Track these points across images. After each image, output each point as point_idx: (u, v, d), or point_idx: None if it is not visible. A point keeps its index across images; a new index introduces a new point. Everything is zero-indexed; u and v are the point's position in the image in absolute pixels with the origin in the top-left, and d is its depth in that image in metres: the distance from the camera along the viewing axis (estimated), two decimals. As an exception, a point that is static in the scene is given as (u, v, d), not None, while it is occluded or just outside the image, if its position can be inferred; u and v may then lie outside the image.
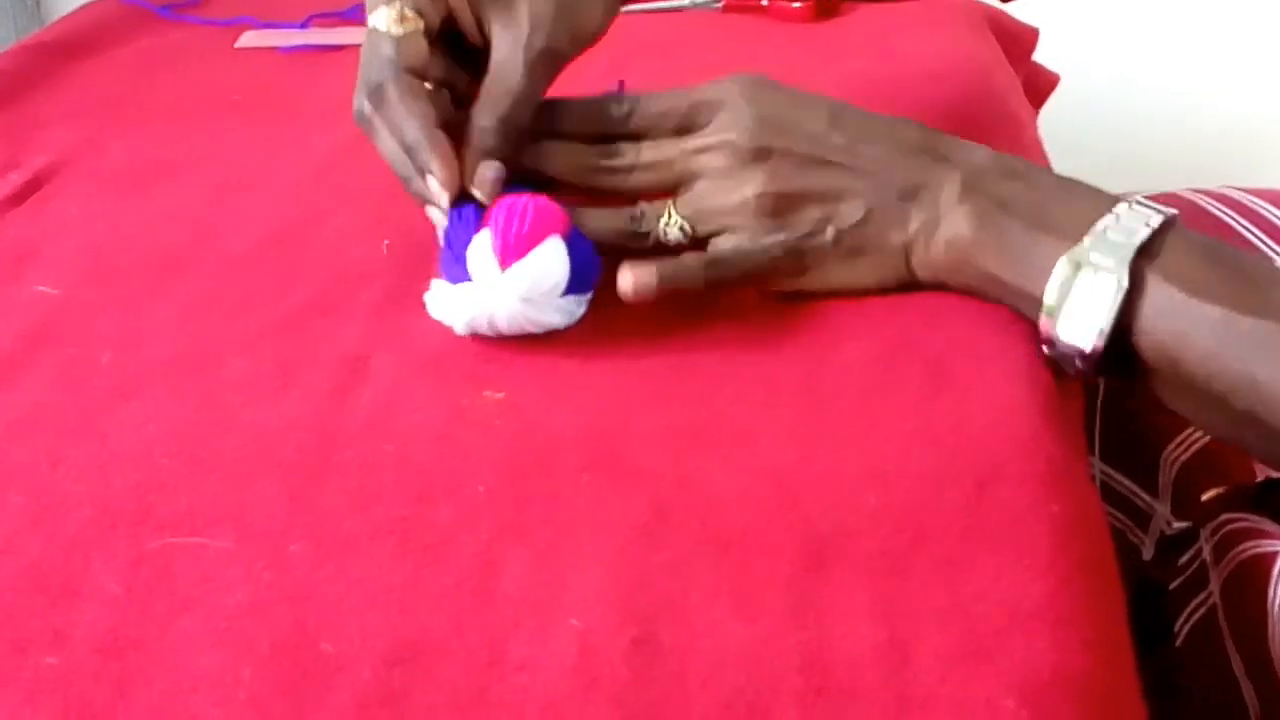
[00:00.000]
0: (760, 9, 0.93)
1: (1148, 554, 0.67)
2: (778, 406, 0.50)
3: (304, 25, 0.94)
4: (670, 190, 0.57)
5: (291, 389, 0.52)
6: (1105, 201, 0.51)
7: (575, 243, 0.54)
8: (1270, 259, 0.73)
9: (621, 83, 0.63)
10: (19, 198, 0.70)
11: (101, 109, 0.81)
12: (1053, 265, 0.49)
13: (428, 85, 0.57)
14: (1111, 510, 0.69)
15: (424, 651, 0.39)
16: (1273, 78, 1.49)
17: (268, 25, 0.94)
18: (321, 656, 0.39)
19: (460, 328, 0.53)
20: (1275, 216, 0.74)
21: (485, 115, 0.57)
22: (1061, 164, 0.77)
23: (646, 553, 0.43)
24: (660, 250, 0.55)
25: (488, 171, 0.55)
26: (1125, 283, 0.48)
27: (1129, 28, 1.49)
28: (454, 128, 0.56)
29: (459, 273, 0.53)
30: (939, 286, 0.55)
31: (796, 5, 0.92)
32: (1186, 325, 0.47)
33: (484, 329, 0.53)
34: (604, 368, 0.52)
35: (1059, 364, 0.51)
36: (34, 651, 0.40)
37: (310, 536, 0.44)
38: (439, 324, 0.54)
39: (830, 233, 0.54)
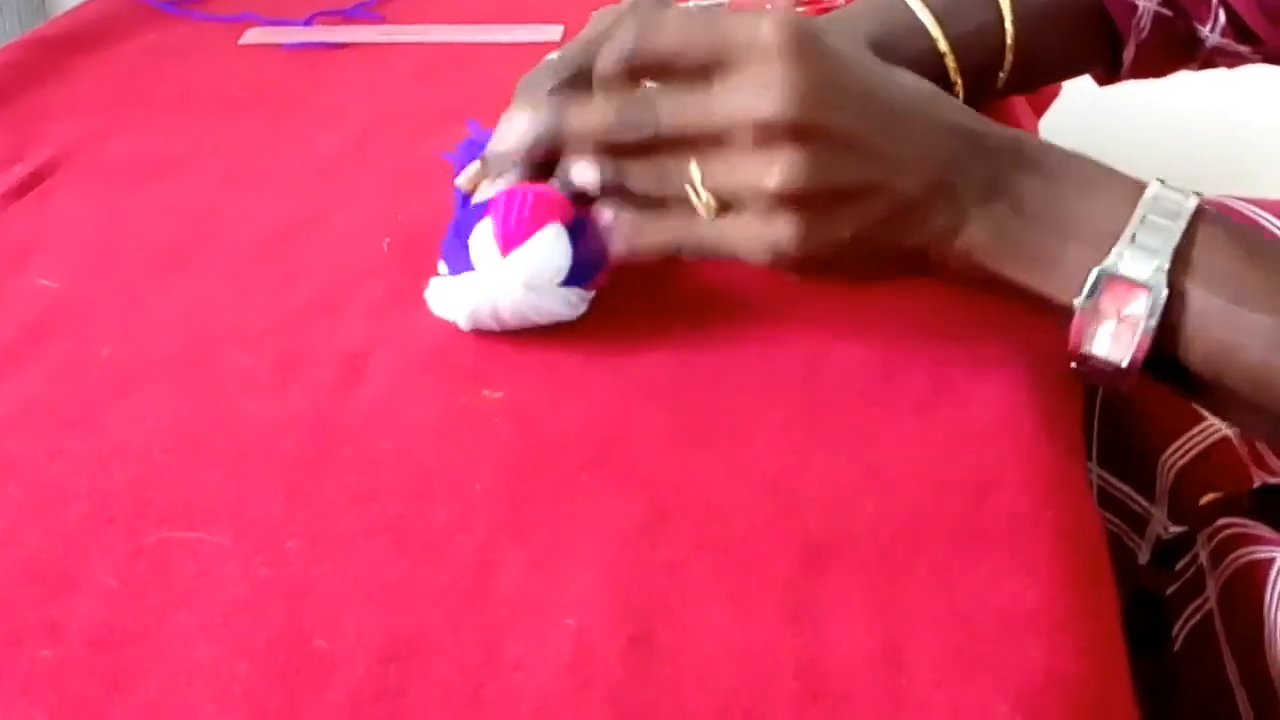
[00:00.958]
0: (764, 10, 0.93)
1: (1144, 558, 0.67)
2: (777, 410, 0.50)
3: (308, 23, 0.94)
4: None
5: (291, 385, 0.52)
6: (1131, 192, 0.47)
7: (579, 232, 0.53)
8: None
9: None
10: (22, 190, 0.70)
11: (105, 103, 0.81)
12: (1082, 274, 0.46)
13: None
14: (1108, 515, 0.69)
15: (419, 649, 0.39)
16: (1275, 86, 1.48)
17: (272, 22, 0.94)
18: (317, 652, 0.39)
19: (463, 320, 0.53)
20: (1276, 227, 0.74)
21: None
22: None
23: (644, 554, 0.43)
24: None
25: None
26: (1164, 296, 0.45)
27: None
28: None
29: (463, 262, 0.53)
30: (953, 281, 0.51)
31: (801, 10, 0.92)
32: (1233, 335, 0.45)
33: (487, 320, 0.53)
34: (603, 368, 0.52)
35: (1090, 376, 0.48)
36: (29, 644, 0.40)
37: (307, 533, 0.44)
38: (439, 322, 0.54)
39: (847, 233, 0.48)
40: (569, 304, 0.54)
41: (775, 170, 0.46)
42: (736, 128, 0.47)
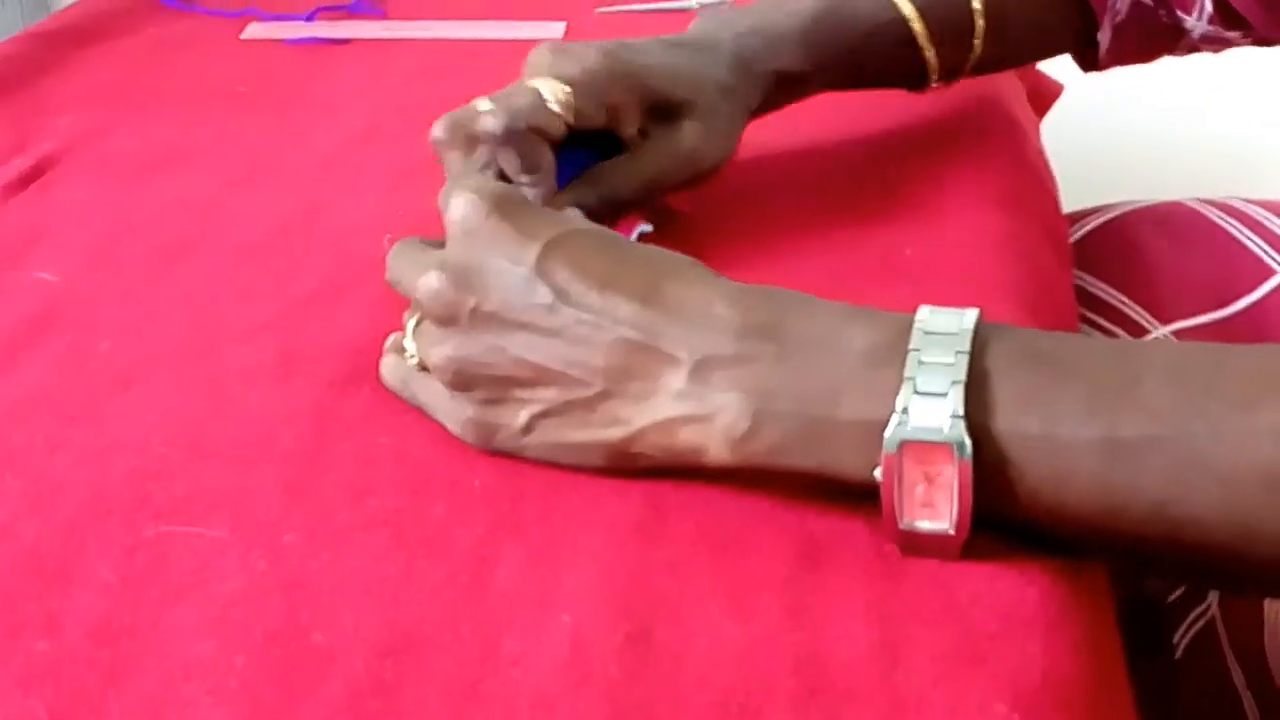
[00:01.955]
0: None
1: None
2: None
3: (310, 18, 0.94)
4: None
5: (291, 380, 0.52)
6: (895, 325, 0.41)
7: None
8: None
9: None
10: (23, 183, 0.70)
11: (107, 97, 0.82)
12: (867, 450, 0.40)
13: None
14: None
15: (416, 644, 0.39)
16: (1276, 86, 1.48)
17: (274, 17, 0.94)
18: (314, 646, 0.39)
19: None
20: (1277, 227, 0.74)
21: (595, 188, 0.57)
22: (1065, 172, 0.78)
23: (642, 550, 0.43)
24: None
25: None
26: (968, 446, 0.39)
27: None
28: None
29: None
30: None
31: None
32: (1061, 464, 0.39)
33: None
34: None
35: (919, 549, 0.41)
36: (26, 636, 0.40)
37: (305, 527, 0.44)
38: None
39: (524, 417, 0.45)
40: None
41: (439, 350, 0.46)
42: (417, 302, 0.47)
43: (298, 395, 0.51)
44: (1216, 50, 0.71)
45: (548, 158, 0.55)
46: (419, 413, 0.49)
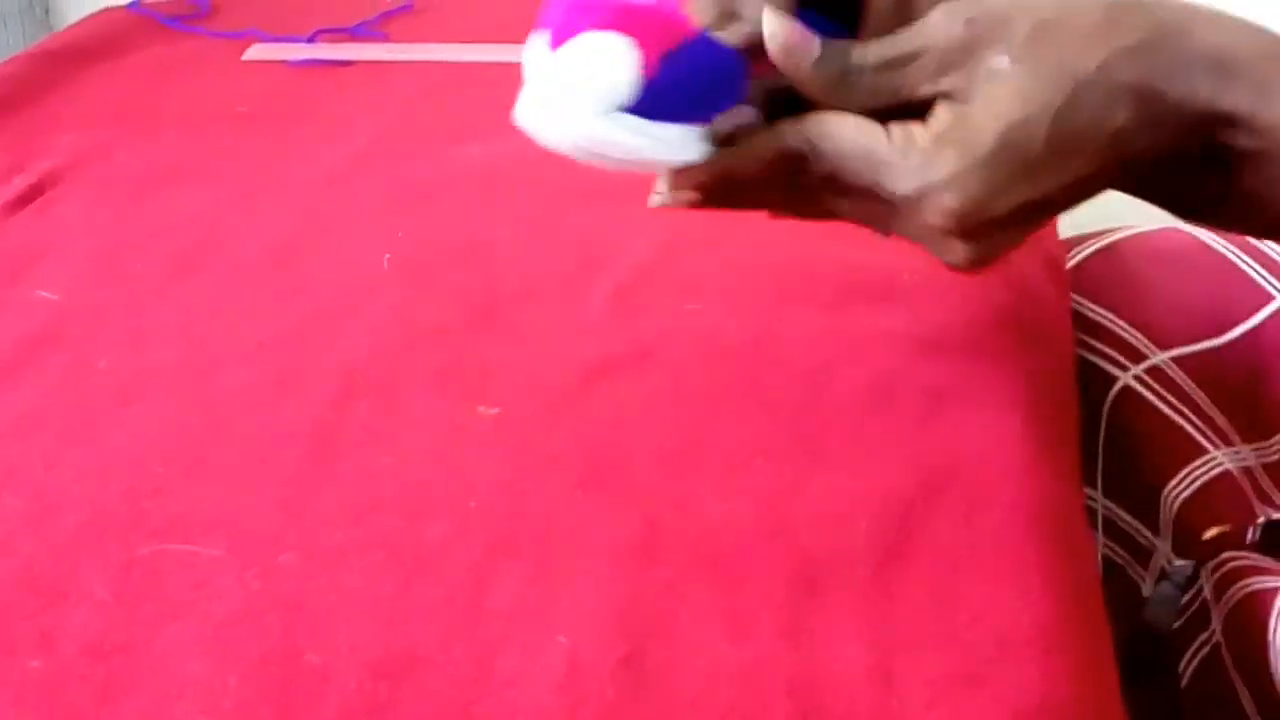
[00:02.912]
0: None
1: (1147, 590, 0.67)
2: (773, 430, 0.50)
3: (311, 40, 0.95)
4: None
5: (289, 399, 0.52)
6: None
7: (684, 58, 0.43)
8: None
9: None
10: (24, 201, 0.70)
11: (108, 117, 0.82)
12: None
13: None
14: (1113, 546, 0.69)
15: (412, 664, 0.39)
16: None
17: (276, 39, 0.95)
18: (308, 667, 0.39)
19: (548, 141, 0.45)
20: (1274, 251, 0.74)
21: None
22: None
23: (638, 572, 0.43)
24: None
25: None
26: None
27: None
28: None
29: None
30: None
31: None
32: None
33: (568, 148, 0.44)
34: (599, 387, 0.52)
35: None
36: (20, 654, 0.40)
37: (301, 547, 0.44)
38: (437, 338, 0.55)
39: (1020, 238, 0.46)
40: (653, 140, 0.44)
41: (952, 253, 0.45)
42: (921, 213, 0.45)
43: (296, 415, 0.51)
44: None
45: None
46: (416, 432, 0.49)
